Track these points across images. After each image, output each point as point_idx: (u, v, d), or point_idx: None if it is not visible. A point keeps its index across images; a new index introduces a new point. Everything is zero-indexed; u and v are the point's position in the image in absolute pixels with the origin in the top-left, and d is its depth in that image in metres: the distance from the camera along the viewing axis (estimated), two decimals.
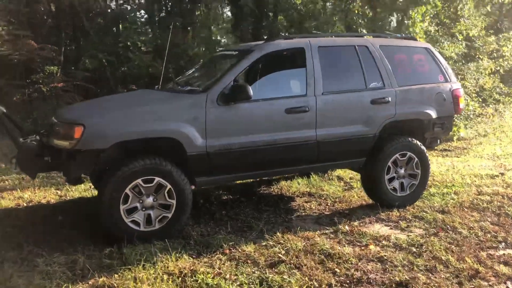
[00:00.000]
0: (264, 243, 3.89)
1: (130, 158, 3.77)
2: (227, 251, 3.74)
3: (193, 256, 3.63)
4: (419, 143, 4.98)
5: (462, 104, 5.33)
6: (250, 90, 3.89)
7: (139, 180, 3.78)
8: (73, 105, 4.74)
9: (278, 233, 4.07)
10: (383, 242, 3.96)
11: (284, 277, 3.25)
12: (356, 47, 4.76)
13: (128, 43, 10.79)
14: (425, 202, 5.11)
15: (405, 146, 4.86)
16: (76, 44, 12.19)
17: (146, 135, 3.81)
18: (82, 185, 5.83)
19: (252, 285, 3.15)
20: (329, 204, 5.16)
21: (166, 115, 3.86)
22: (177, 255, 3.58)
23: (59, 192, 5.60)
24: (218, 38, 11.17)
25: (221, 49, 5.85)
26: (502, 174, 6.56)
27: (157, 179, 3.85)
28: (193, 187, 4.08)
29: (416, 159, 4.94)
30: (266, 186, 5.86)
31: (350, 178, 6.22)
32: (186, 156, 3.93)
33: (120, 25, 11.04)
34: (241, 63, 4.20)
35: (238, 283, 3.16)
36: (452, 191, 5.58)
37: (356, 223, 4.45)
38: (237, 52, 4.50)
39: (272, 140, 4.22)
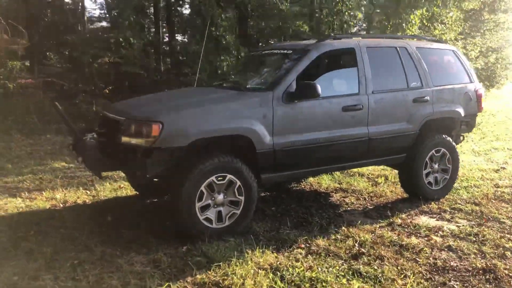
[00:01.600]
0: (333, 237, 4.01)
1: (205, 155, 3.76)
2: (302, 246, 3.82)
3: (274, 251, 3.68)
4: (451, 139, 5.29)
5: (483, 103, 5.71)
6: (319, 88, 3.99)
7: (213, 178, 3.78)
8: (132, 101, 4.61)
9: (343, 227, 4.20)
10: (440, 232, 4.19)
11: (374, 267, 3.38)
12: (397, 48, 4.99)
13: (120, 39, 10.54)
14: (453, 195, 5.42)
15: (440, 142, 5.15)
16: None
17: (224, 132, 3.81)
18: (108, 184, 5.73)
19: (347, 276, 3.26)
20: (366, 199, 5.35)
21: (239, 113, 3.88)
22: (260, 250, 3.62)
23: (88, 192, 5.42)
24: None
25: (259, 48, 5.87)
26: (503, 168, 7.07)
27: (229, 176, 3.86)
28: None
29: (448, 154, 5.25)
30: (296, 183, 5.98)
31: (371, 174, 6.46)
32: (255, 153, 3.97)
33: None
34: (301, 62, 4.28)
35: (333, 275, 3.26)
36: (471, 184, 5.95)
37: (403, 216, 4.66)
38: (291, 51, 4.58)
39: (330, 137, 4.35)
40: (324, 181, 6.03)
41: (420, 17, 9.13)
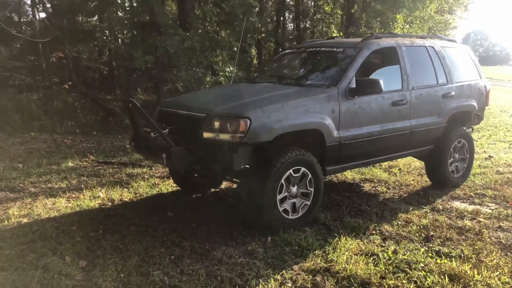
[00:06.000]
0: (395, 223, 4.32)
1: (284, 150, 3.90)
2: (374, 232, 4.09)
3: (353, 238, 3.91)
4: (468, 130, 5.82)
5: (489, 98, 6.31)
6: (382, 84, 4.26)
7: (291, 171, 3.93)
8: (199, 97, 4.63)
9: (399, 214, 4.53)
10: (481, 215, 4.65)
11: (452, 248, 3.73)
12: (427, 47, 5.39)
13: (106, 32, 10.14)
14: (469, 182, 5.96)
15: (461, 134, 5.64)
16: None
17: (302, 127, 3.97)
18: (142, 181, 5.67)
19: (433, 255, 3.57)
20: (396, 188, 5.74)
21: (312, 108, 4.05)
22: (344, 238, 3.84)
23: (126, 189, 5.33)
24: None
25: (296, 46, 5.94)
26: (491, 156, 7.80)
27: (302, 169, 4.03)
28: None
29: (467, 145, 5.77)
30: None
31: (384, 165, 6.87)
32: (325, 146, 4.17)
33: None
34: (356, 59, 4.53)
35: (421, 256, 3.55)
36: (477, 172, 6.54)
37: (440, 202, 5.09)
38: (341, 49, 4.80)
39: (383, 130, 4.65)
40: (348, 173, 6.35)
41: (403, 17, 9.75)
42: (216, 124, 3.74)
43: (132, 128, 4.12)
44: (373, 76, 4.80)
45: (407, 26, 12.06)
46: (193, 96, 4.79)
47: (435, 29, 21.20)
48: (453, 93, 5.46)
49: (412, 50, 5.18)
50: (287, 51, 5.88)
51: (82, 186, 5.38)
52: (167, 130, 4.00)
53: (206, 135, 3.79)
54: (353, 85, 4.36)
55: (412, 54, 5.14)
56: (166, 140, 3.75)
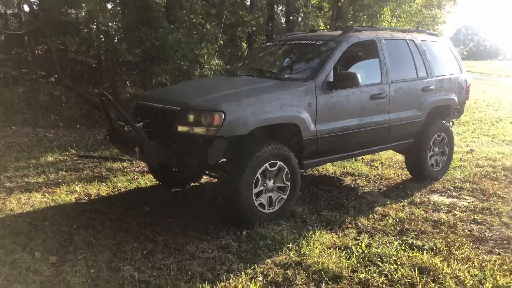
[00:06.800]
0: (372, 217, 4.33)
1: (260, 144, 3.88)
2: (350, 226, 4.10)
3: (328, 231, 3.92)
4: (448, 124, 5.84)
5: (469, 92, 6.34)
6: (359, 78, 4.25)
7: (267, 165, 3.92)
8: (176, 90, 4.60)
9: (377, 207, 4.55)
10: (457, 208, 4.68)
11: (425, 241, 3.75)
12: (407, 40, 5.39)
13: (92, 25, 10.00)
14: (449, 175, 6.00)
15: (441, 128, 5.67)
16: None
17: (278, 121, 3.95)
18: (122, 176, 5.62)
19: (406, 248, 3.58)
20: (376, 181, 5.75)
21: (289, 102, 4.03)
22: (318, 231, 3.84)
23: (105, 184, 5.27)
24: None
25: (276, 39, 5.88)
26: (472, 150, 7.85)
27: (279, 163, 4.02)
28: None
29: (447, 138, 5.80)
30: None
31: (365, 159, 6.89)
32: (302, 140, 4.16)
33: None
34: (335, 52, 4.51)
35: (394, 249, 3.56)
36: (457, 165, 6.59)
37: (418, 195, 5.11)
38: (321, 42, 4.78)
39: (361, 124, 4.65)
40: (327, 166, 6.35)
41: (391, 10, 9.76)
42: (191, 117, 3.71)
43: (107, 121, 4.08)
44: (352, 69, 4.79)
45: (395, 20, 12.08)
46: (169, 89, 4.74)
47: (423, 23, 21.25)
48: (433, 86, 5.47)
49: (392, 44, 5.17)
50: (268, 44, 5.85)
51: (60, 180, 5.31)
52: (141, 123, 3.96)
53: (180, 128, 3.76)
54: (331, 79, 4.34)
55: (392, 47, 5.13)
56: (139, 134, 3.71)
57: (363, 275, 3.12)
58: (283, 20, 17.76)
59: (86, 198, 4.74)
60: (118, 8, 12.62)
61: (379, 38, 5.01)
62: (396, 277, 3.10)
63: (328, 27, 11.56)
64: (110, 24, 10.37)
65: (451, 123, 6.35)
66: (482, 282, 3.06)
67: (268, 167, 3.94)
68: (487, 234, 3.95)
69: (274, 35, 14.22)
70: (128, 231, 3.85)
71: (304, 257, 3.35)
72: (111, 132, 4.23)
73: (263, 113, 3.84)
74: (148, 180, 5.45)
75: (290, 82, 4.28)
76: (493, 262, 3.33)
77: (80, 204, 4.53)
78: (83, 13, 12.51)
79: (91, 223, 4.00)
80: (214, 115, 3.62)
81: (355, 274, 3.14)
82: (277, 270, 3.18)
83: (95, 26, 10.56)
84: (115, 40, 10.18)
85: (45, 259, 3.26)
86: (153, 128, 4.00)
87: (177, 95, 4.28)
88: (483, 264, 3.31)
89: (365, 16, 9.98)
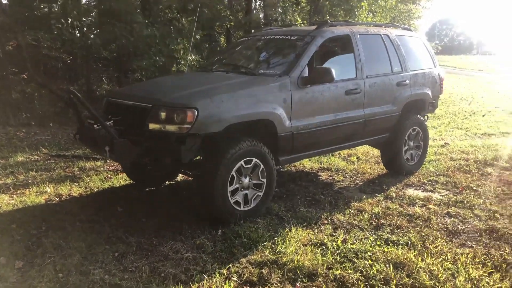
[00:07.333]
0: (347, 212, 4.33)
1: (234, 141, 3.82)
2: (326, 222, 4.09)
3: (304, 228, 3.89)
4: (423, 118, 5.90)
5: (443, 86, 6.42)
6: (334, 73, 4.23)
7: (242, 162, 3.86)
8: (148, 87, 4.48)
9: (353, 202, 4.55)
10: (431, 202, 4.72)
11: (400, 235, 3.76)
12: (382, 35, 5.40)
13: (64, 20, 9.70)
14: (423, 169, 6.06)
15: (416, 122, 5.72)
16: None
17: (253, 117, 3.89)
18: (94, 175, 5.49)
19: (381, 243, 3.59)
20: (352, 176, 5.77)
21: (264, 98, 3.97)
22: (294, 228, 3.81)
23: (77, 184, 5.13)
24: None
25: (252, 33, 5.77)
26: (447, 143, 7.98)
27: (254, 160, 3.97)
28: None
29: (421, 133, 5.86)
30: None
31: (342, 153, 6.91)
32: (277, 136, 4.12)
33: None
34: (309, 48, 4.48)
35: (369, 245, 3.56)
36: (432, 159, 6.67)
37: (394, 189, 5.14)
38: (295, 37, 4.73)
39: (336, 119, 4.64)
40: (306, 162, 6.34)
41: (368, 5, 9.81)
42: (163, 114, 3.61)
43: (76, 119, 3.95)
44: (327, 64, 4.76)
45: (371, 15, 12.16)
46: (141, 86, 4.64)
47: (399, 18, 21.49)
48: (407, 81, 5.51)
49: (366, 38, 5.17)
50: (242, 38, 5.77)
51: (30, 181, 5.14)
52: (112, 121, 3.84)
53: (152, 126, 3.66)
54: (306, 74, 4.31)
55: (366, 42, 5.13)
56: (108, 132, 3.60)
57: (339, 272, 3.11)
58: (261, 15, 17.71)
59: (57, 199, 4.59)
60: (94, 3, 12.31)
61: (354, 33, 5.00)
62: (371, 273, 3.09)
63: (305, 22, 11.54)
64: (84, 19, 10.08)
65: (425, 117, 6.43)
66: (455, 275, 3.08)
67: (244, 164, 3.88)
68: (460, 227, 4.00)
69: (252, 30, 14.14)
70: (100, 232, 3.74)
71: (280, 255, 3.32)
72: (81, 131, 4.09)
73: (237, 109, 3.77)
74: (122, 179, 5.32)
75: (265, 78, 4.23)
76: (465, 255, 3.36)
77: (50, 206, 4.39)
78: (57, 8, 12.19)
79: (61, 225, 3.87)
80: (186, 112, 3.54)
81: (331, 271, 3.13)
82: (252, 269, 3.13)
83: (70, 21, 10.24)
84: (91, 36, 9.90)
85: (11, 265, 3.13)
86: (124, 126, 3.88)
87: (149, 92, 4.17)
88: (456, 258, 3.34)
89: (342, 11, 9.99)
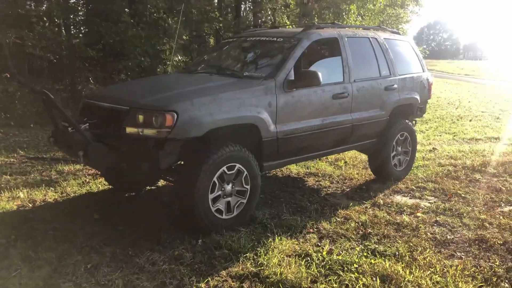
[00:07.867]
0: (334, 220, 4.19)
1: (216, 146, 3.65)
2: (311, 230, 3.94)
3: (289, 237, 3.74)
4: (411, 123, 5.80)
5: (431, 91, 6.34)
6: (321, 76, 4.09)
7: (224, 168, 3.69)
8: (126, 88, 4.28)
9: (339, 210, 4.41)
10: (419, 210, 4.61)
11: (388, 245, 3.63)
12: (370, 39, 5.29)
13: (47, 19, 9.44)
14: (412, 175, 5.97)
15: (404, 127, 5.62)
16: None
17: (236, 121, 3.72)
18: (72, 179, 5.28)
19: (368, 254, 3.45)
20: (339, 182, 5.64)
21: (247, 102, 3.81)
22: (278, 238, 3.65)
23: (53, 189, 4.91)
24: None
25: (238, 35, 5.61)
26: (435, 148, 7.92)
27: (237, 166, 3.80)
28: None
29: (409, 138, 5.76)
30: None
31: (329, 158, 6.79)
32: (261, 141, 3.96)
33: None
34: (295, 50, 4.33)
35: (356, 256, 3.42)
36: (420, 164, 6.58)
37: (381, 196, 5.03)
38: (281, 39, 4.59)
39: (323, 124, 4.50)
40: (291, 167, 6.20)
41: (356, 8, 9.74)
42: (140, 118, 3.43)
43: (51, 122, 3.74)
44: (314, 67, 4.63)
45: (360, 18, 12.10)
46: (119, 87, 4.44)
47: (387, 22, 21.55)
48: (395, 85, 5.40)
49: (354, 42, 5.05)
50: (228, 39, 5.61)
51: (2, 185, 4.90)
52: (87, 124, 3.65)
53: (129, 130, 3.47)
54: (292, 77, 4.16)
55: (354, 45, 5.01)
56: (83, 136, 3.40)
57: (323, 286, 2.96)
58: (251, 17, 17.60)
59: (30, 205, 4.37)
60: (82, 1, 12.04)
61: (342, 36, 4.88)
62: (357, 287, 2.95)
63: (293, 24, 11.43)
64: (72, 16, 9.82)
65: (414, 122, 6.34)
66: None
67: (226, 171, 3.72)
68: (448, 237, 3.88)
69: (241, 32, 14.00)
70: (73, 242, 3.53)
71: (262, 267, 3.15)
72: (55, 134, 3.89)
73: (219, 113, 3.61)
74: (100, 184, 5.11)
75: (249, 81, 4.07)
76: (454, 268, 3.24)
77: (22, 212, 4.17)
78: (44, 6, 11.88)
79: (32, 234, 3.65)
80: (165, 115, 3.36)
81: (315, 285, 2.98)
82: (233, 283, 2.97)
83: (56, 20, 9.97)
84: (76, 35, 9.66)
85: None
86: (101, 129, 3.69)
87: (127, 94, 3.98)
88: (445, 270, 3.21)
89: (330, 14, 9.91)
